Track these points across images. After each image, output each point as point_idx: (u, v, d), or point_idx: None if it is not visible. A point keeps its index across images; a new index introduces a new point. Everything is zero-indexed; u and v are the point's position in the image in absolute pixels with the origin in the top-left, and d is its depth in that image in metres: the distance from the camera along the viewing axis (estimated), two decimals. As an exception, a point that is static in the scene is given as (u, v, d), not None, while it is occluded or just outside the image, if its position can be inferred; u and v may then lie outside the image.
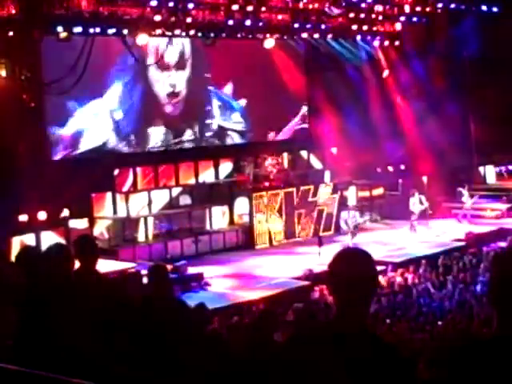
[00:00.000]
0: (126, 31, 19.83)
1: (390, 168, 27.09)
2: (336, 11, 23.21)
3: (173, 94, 23.22)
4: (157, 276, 5.85)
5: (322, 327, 3.35)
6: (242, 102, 24.84)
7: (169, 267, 17.63)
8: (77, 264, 5.28)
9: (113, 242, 20.88)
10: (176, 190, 22.99)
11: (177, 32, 21.02)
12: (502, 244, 20.54)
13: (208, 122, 24.19)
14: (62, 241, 16.87)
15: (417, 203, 23.58)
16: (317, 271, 18.29)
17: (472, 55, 26.03)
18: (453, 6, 25.16)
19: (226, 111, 24.62)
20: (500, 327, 2.98)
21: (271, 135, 25.21)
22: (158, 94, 23.01)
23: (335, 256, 3.22)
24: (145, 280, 16.71)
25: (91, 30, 19.15)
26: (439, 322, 13.59)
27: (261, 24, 22.17)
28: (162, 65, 22.71)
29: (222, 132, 24.51)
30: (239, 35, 22.51)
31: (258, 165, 23.87)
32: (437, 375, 7.16)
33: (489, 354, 2.90)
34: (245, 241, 22.77)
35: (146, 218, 21.69)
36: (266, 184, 23.44)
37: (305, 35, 23.92)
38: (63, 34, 18.54)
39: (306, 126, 26.61)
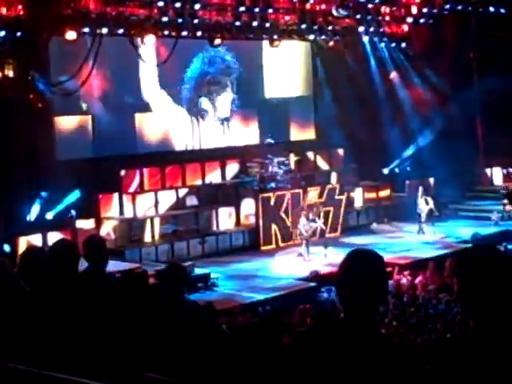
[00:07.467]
0: (133, 32, 19.86)
1: (397, 169, 27.05)
2: (343, 12, 23.16)
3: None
4: (175, 276, 5.77)
5: (329, 327, 3.35)
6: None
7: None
8: (85, 264, 5.28)
9: (119, 242, 20.88)
10: (183, 191, 22.97)
11: (184, 33, 21.03)
12: (509, 246, 20.45)
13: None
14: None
15: (423, 204, 23.52)
16: (323, 272, 18.31)
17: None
18: (460, 7, 25.09)
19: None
20: (477, 329, 2.95)
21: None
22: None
23: (346, 257, 3.23)
24: (151, 281, 16.80)
25: (99, 31, 19.20)
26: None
27: (268, 25, 22.18)
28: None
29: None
30: (246, 36, 22.53)
31: (265, 166, 23.80)
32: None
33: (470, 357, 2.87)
34: (251, 242, 22.76)
35: (152, 219, 21.68)
36: (273, 185, 23.38)
37: (311, 37, 23.92)
38: (71, 35, 18.58)
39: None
